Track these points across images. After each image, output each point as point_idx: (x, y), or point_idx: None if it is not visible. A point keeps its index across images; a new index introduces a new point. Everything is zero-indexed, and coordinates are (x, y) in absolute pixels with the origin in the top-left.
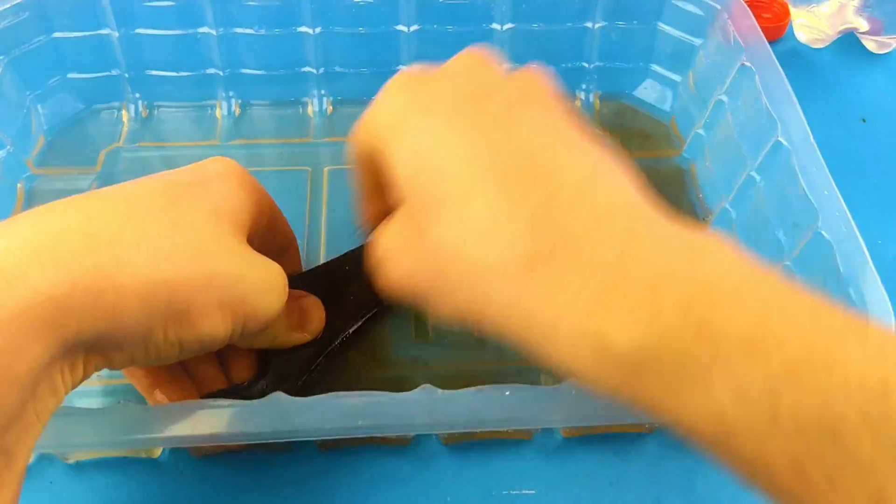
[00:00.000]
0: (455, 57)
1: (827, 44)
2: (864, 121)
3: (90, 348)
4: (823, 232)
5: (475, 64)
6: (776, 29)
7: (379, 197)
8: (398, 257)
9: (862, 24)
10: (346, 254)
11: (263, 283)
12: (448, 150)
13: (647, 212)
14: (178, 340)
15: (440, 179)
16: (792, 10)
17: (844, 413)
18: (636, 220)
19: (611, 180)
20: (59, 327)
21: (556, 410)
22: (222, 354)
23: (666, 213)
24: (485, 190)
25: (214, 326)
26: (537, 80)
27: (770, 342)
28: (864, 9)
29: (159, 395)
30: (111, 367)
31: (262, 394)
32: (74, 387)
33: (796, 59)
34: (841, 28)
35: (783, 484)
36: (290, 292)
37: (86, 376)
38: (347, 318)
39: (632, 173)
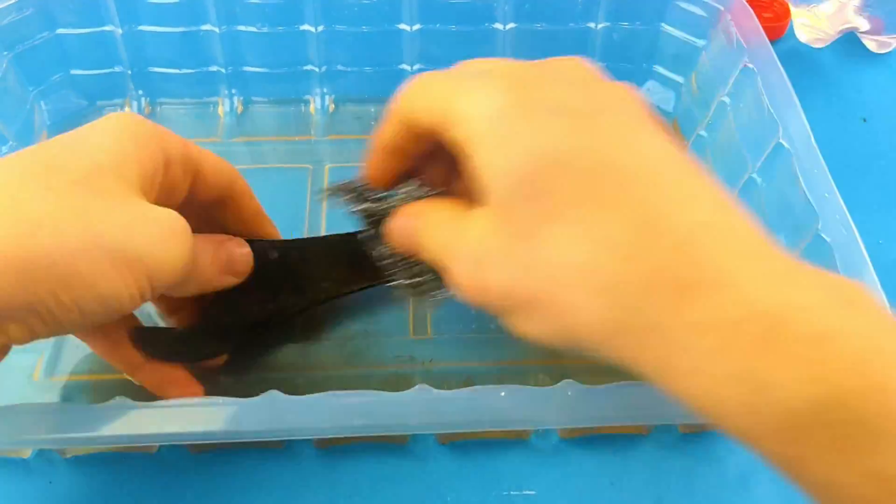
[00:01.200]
0: (559, 60)
1: (827, 43)
2: (864, 120)
3: None
4: (824, 235)
5: (586, 71)
6: (776, 28)
7: (400, 158)
8: (489, 263)
9: (862, 24)
10: (320, 238)
11: (159, 236)
12: (569, 162)
13: (785, 252)
14: (76, 306)
15: (559, 191)
16: (792, 9)
17: None
18: (785, 262)
19: (745, 216)
20: None
21: (553, 411)
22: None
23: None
24: (620, 209)
25: (112, 286)
26: (632, 93)
27: None
28: (864, 8)
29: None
30: (13, 340)
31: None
32: None
33: (797, 59)
34: (841, 27)
35: None
36: (214, 237)
37: None
38: (300, 299)
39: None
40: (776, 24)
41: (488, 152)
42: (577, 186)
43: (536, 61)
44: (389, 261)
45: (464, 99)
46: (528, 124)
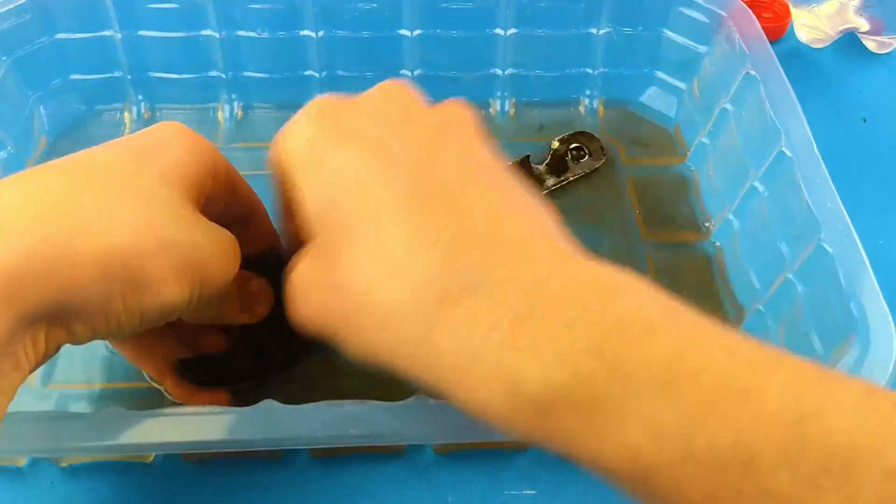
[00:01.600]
0: (374, 87)
1: (827, 43)
2: (864, 120)
3: (51, 320)
4: (826, 245)
5: (395, 95)
6: (777, 29)
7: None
8: (309, 292)
9: (862, 24)
10: None
11: (216, 250)
12: (360, 187)
13: (562, 249)
14: (139, 309)
15: (352, 215)
16: (792, 9)
17: (760, 445)
18: (549, 258)
19: (526, 217)
20: (17, 299)
21: None
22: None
23: (581, 250)
24: (397, 226)
25: (172, 293)
26: (459, 111)
27: (684, 378)
28: (864, 9)
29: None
30: (74, 340)
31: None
32: (38, 362)
33: (797, 59)
34: (841, 28)
35: None
36: (239, 273)
37: (48, 350)
38: None
39: (549, 209)
40: (776, 25)
41: (304, 185)
42: (361, 208)
43: (362, 93)
44: None
45: (286, 139)
46: (328, 153)
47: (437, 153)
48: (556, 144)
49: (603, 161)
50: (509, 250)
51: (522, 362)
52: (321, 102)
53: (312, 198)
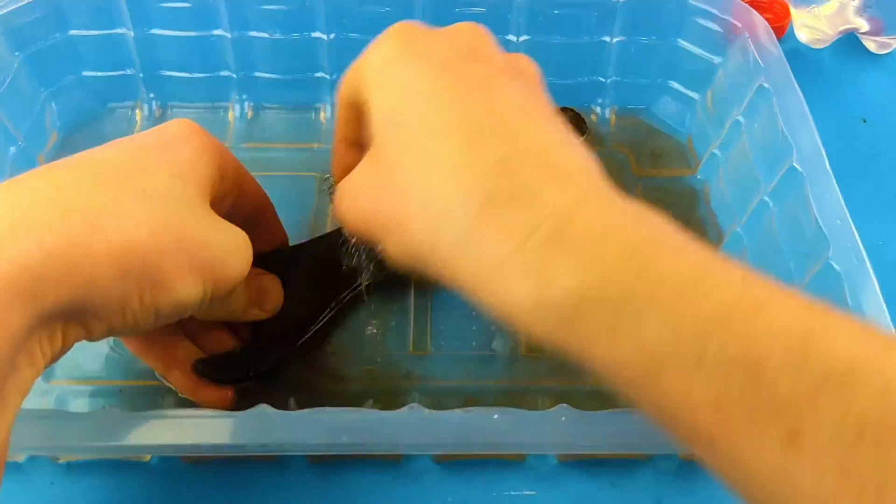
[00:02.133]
0: (456, 24)
1: (827, 44)
2: (864, 121)
3: (68, 318)
4: (834, 263)
5: (473, 32)
6: (777, 29)
7: (354, 148)
8: (360, 193)
9: (862, 25)
10: (324, 235)
11: (230, 247)
12: (427, 98)
13: (603, 182)
14: (154, 306)
15: (412, 125)
16: (792, 10)
17: (766, 354)
18: (591, 184)
19: (574, 151)
20: (36, 297)
21: (547, 436)
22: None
23: (619, 190)
24: (456, 137)
25: (187, 290)
26: (527, 62)
27: (705, 288)
28: (864, 9)
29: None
30: (90, 337)
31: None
32: (54, 358)
33: (797, 60)
34: (841, 28)
35: (703, 422)
36: (250, 269)
37: (65, 347)
38: (319, 303)
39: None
40: (776, 25)
41: (373, 95)
42: (432, 119)
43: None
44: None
45: (365, 58)
46: (401, 67)
47: (500, 87)
48: None
49: (585, 136)
50: (556, 171)
51: (556, 262)
52: (402, 25)
53: (377, 108)
